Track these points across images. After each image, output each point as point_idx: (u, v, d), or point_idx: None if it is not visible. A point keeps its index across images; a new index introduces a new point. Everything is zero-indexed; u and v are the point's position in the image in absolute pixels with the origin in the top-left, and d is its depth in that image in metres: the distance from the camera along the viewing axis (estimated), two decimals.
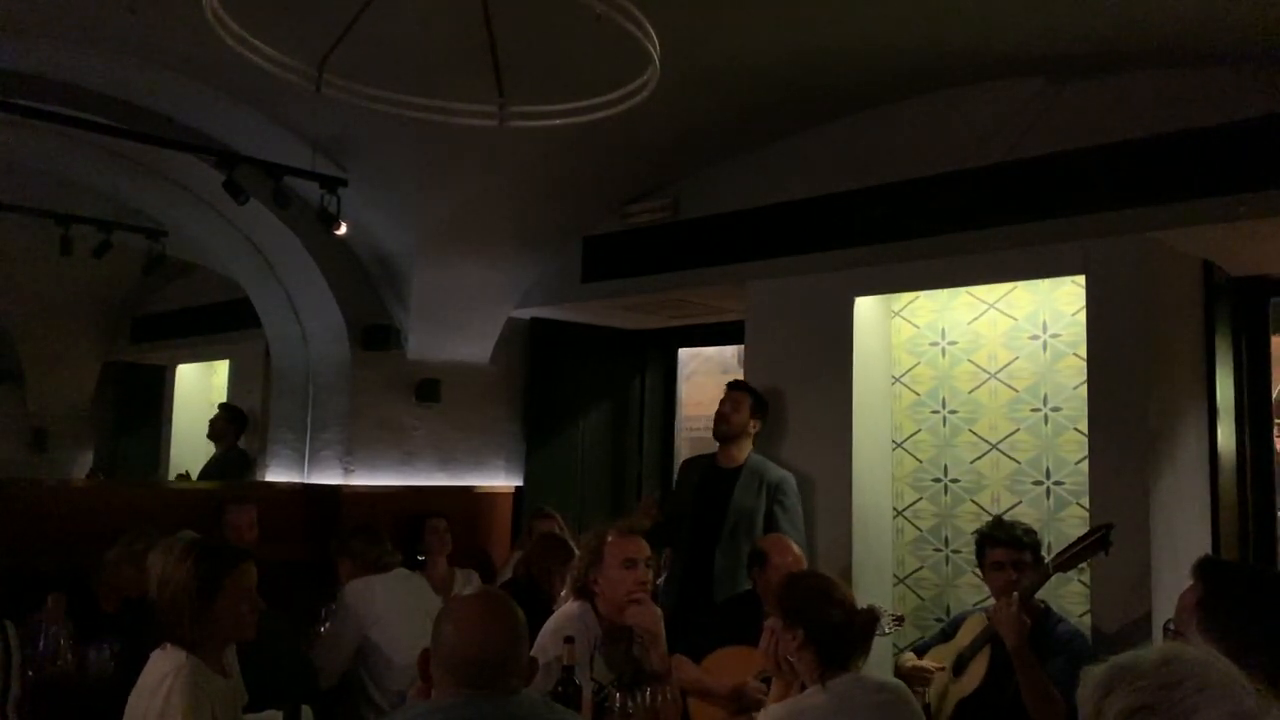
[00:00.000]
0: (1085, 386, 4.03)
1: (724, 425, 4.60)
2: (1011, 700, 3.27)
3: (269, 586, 2.78)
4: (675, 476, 5.00)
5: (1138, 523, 3.72)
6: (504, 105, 3.00)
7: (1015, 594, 3.30)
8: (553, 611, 3.44)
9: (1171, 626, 2.14)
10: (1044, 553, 3.75)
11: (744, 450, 4.63)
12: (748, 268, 5.04)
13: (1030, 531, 3.63)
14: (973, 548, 3.74)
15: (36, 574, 3.85)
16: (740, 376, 5.08)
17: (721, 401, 4.67)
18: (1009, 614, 3.22)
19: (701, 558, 4.45)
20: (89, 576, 4.01)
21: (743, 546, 4.42)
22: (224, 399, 7.96)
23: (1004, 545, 3.59)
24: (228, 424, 6.67)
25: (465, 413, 6.05)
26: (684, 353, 6.79)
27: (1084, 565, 3.76)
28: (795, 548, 3.83)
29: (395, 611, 3.88)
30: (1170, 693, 1.26)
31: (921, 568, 4.85)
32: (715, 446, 4.73)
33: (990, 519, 3.95)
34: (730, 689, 3.39)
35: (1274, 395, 4.40)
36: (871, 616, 2.62)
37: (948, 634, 3.76)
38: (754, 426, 4.63)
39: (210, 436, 6.75)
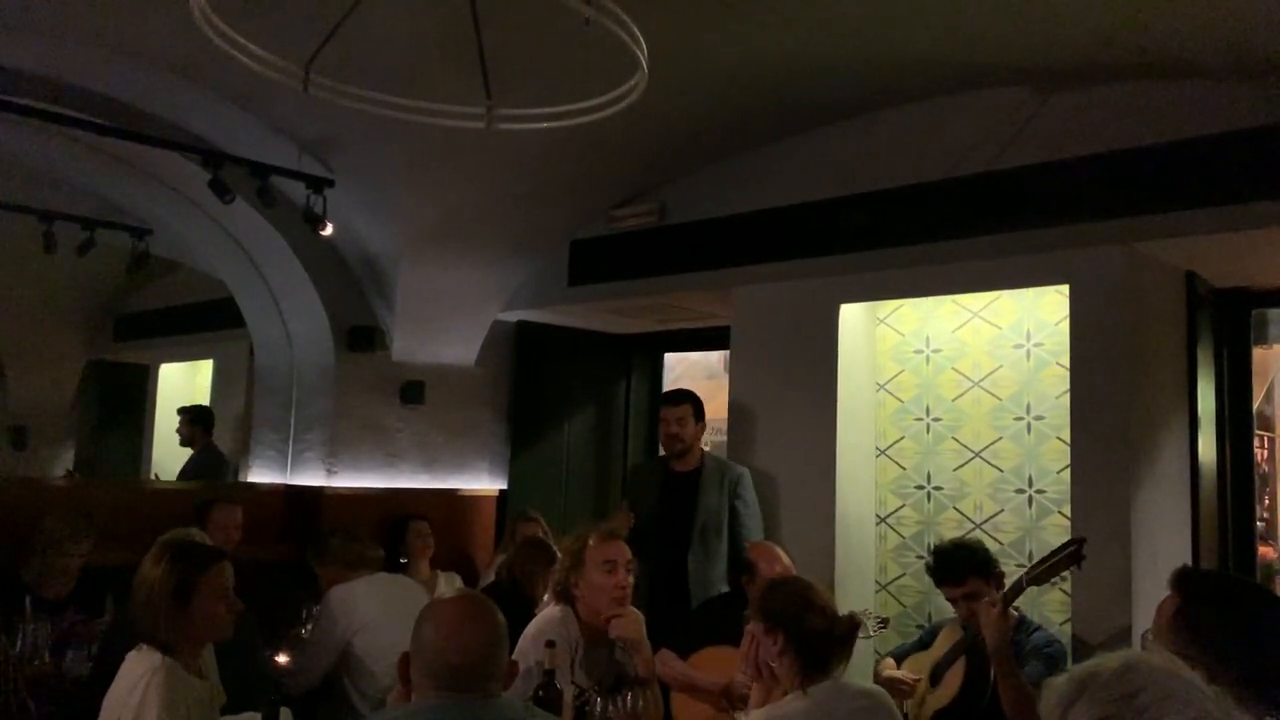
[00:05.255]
0: (1068, 395, 4.05)
1: (679, 444, 4.60)
2: (987, 710, 3.28)
3: (251, 587, 2.76)
4: (630, 484, 5.00)
5: (1118, 531, 3.74)
6: (491, 108, 3.00)
7: (999, 594, 3.30)
8: (535, 615, 3.44)
9: (1149, 636, 2.15)
10: (1025, 561, 3.75)
11: (696, 452, 4.66)
12: (733, 273, 5.05)
13: (970, 558, 3.57)
14: None
15: None
16: (725, 382, 5.10)
17: (665, 422, 4.65)
18: (991, 615, 3.21)
19: (672, 562, 4.45)
20: (19, 577, 4.02)
21: (712, 546, 4.44)
22: (207, 399, 7.91)
23: (945, 585, 3.59)
24: (192, 426, 6.56)
25: (450, 415, 6.03)
26: (670, 357, 6.80)
27: (1063, 575, 3.76)
28: (784, 557, 3.81)
29: (379, 617, 3.85)
30: (1132, 701, 1.27)
31: (904, 575, 4.86)
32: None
33: (935, 549, 3.79)
34: (717, 685, 3.40)
35: (1255, 406, 4.43)
36: (852, 623, 2.61)
37: (925, 642, 3.77)
38: (702, 430, 4.68)
39: (183, 444, 6.67)
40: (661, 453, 4.88)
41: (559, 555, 3.62)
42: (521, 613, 3.43)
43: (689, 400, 4.66)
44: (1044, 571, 3.34)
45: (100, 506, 4.60)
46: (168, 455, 8.42)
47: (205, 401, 7.82)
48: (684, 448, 4.61)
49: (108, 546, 4.19)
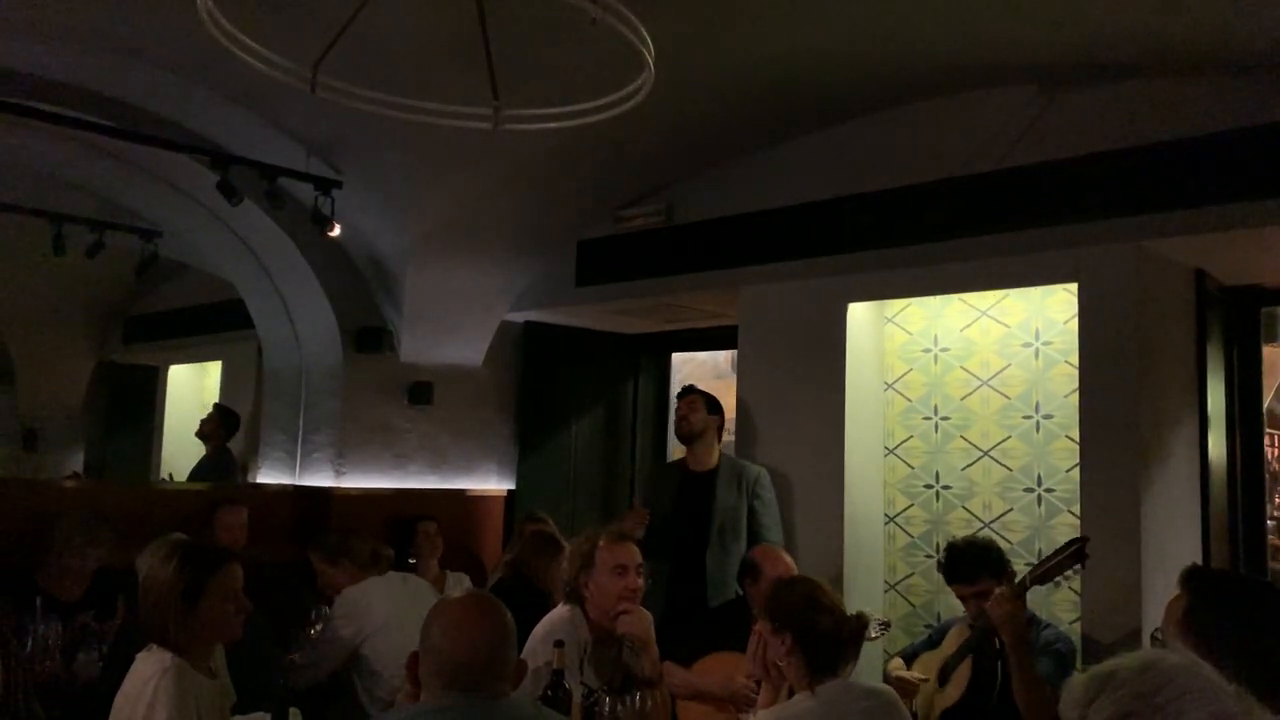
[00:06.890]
0: (1077, 394, 4.04)
1: (686, 425, 4.66)
2: (994, 710, 3.27)
3: (260, 588, 2.77)
4: (644, 486, 5.02)
5: (1128, 530, 3.72)
6: (498, 108, 3.00)
7: (1004, 588, 3.26)
8: (549, 609, 3.43)
9: (1159, 635, 2.14)
10: (1035, 559, 3.73)
11: (713, 451, 4.67)
12: (740, 273, 5.05)
13: (984, 557, 3.55)
14: None
15: None
16: (733, 381, 5.11)
17: (677, 408, 4.75)
18: (1004, 609, 3.18)
19: (690, 563, 4.45)
20: (34, 577, 4.02)
21: (730, 546, 4.44)
22: (216, 400, 7.93)
23: (957, 583, 3.58)
24: (218, 425, 6.60)
25: (458, 416, 6.04)
26: (677, 357, 6.80)
27: (1072, 573, 3.74)
28: (788, 559, 3.81)
29: (391, 619, 3.85)
30: (1152, 699, 1.26)
31: (912, 574, 4.85)
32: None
33: (949, 545, 3.77)
34: (720, 684, 3.39)
35: (1265, 405, 4.41)
36: (860, 623, 2.61)
37: (935, 641, 3.76)
38: (714, 423, 4.71)
39: (199, 435, 6.70)
40: (681, 454, 4.90)
41: (567, 550, 3.62)
42: (534, 608, 3.42)
43: (699, 392, 4.76)
44: (1047, 571, 3.32)
45: (110, 508, 4.61)
46: (178, 456, 8.45)
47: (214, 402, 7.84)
48: (692, 431, 4.63)
49: (119, 548, 4.20)
